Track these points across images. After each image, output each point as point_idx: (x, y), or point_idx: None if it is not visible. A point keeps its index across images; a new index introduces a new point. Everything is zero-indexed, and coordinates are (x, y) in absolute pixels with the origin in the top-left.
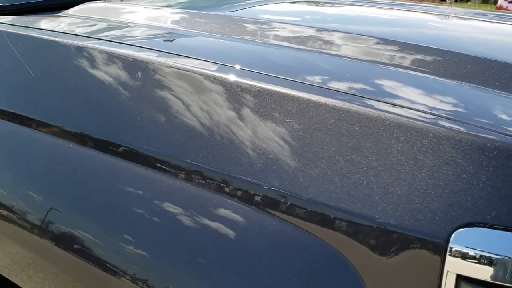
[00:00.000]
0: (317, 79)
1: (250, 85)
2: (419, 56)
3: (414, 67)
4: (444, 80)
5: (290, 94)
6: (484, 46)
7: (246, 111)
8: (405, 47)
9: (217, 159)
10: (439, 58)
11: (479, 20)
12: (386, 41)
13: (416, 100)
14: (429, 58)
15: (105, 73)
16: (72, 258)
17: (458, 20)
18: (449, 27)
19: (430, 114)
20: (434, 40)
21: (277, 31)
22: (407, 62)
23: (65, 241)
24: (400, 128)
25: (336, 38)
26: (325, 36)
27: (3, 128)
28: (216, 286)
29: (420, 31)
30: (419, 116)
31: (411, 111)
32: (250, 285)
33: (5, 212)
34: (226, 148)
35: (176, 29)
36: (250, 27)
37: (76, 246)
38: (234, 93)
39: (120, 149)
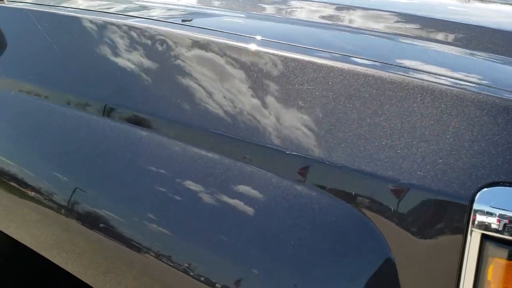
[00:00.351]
0: (338, 49)
1: (273, 54)
2: (442, 30)
3: (438, 40)
4: (467, 50)
5: (312, 62)
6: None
7: (269, 80)
8: (428, 22)
9: (238, 127)
10: (461, 32)
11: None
12: (406, 16)
13: (440, 65)
14: (450, 32)
15: (128, 47)
16: (96, 237)
17: (479, 3)
18: (470, 11)
19: (454, 78)
20: (453, 16)
21: (296, 9)
22: (432, 35)
23: (90, 221)
24: (425, 91)
25: (356, 15)
26: (344, 13)
27: (28, 103)
28: (242, 252)
29: (440, 10)
30: (443, 79)
31: (434, 75)
32: (274, 250)
33: (32, 193)
34: (248, 115)
35: (197, 6)
36: (269, 6)
37: (101, 225)
38: (256, 61)
39: (145, 121)
